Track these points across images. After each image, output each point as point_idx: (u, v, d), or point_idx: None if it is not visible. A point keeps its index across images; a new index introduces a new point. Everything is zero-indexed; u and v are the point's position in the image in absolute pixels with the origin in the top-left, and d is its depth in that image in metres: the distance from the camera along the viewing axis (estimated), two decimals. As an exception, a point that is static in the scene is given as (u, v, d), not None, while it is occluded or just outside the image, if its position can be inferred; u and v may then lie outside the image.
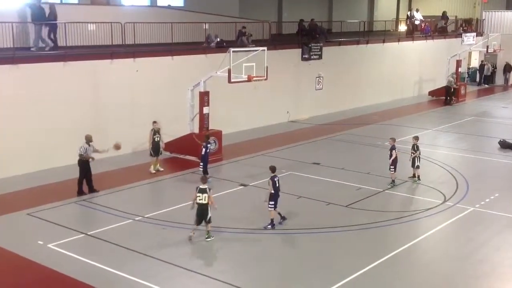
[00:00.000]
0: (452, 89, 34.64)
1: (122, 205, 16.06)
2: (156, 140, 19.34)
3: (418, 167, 18.63)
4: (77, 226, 14.46)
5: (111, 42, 21.72)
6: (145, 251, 12.95)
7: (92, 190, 17.15)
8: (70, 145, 19.95)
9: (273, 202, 14.34)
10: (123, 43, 22.14)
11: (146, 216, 15.20)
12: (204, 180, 13.81)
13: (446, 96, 34.64)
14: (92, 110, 20.85)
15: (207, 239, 13.64)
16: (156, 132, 19.36)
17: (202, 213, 13.56)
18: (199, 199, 13.50)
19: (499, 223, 15.11)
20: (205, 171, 18.09)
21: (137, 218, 15.09)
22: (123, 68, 21.63)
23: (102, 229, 14.29)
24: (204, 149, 18.26)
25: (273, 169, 14.54)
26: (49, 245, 13.24)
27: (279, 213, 14.70)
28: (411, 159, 18.67)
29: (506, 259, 12.95)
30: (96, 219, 15.26)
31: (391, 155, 18.16)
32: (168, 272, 12.07)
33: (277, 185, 14.41)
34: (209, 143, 19.01)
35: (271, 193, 14.29)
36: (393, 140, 18.52)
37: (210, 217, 13.62)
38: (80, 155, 16.86)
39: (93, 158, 17.14)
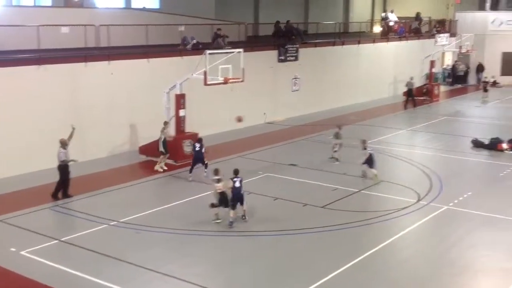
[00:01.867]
0: (414, 91, 34.02)
1: (97, 210, 15.91)
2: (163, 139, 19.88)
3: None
4: (51, 232, 14.27)
5: (85, 44, 21.54)
6: (120, 256, 12.85)
7: (66, 195, 16.96)
8: (45, 149, 19.74)
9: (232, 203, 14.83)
10: (98, 46, 21.96)
11: (121, 220, 15.08)
12: (216, 172, 14.85)
13: (406, 100, 33.56)
14: (68, 114, 20.57)
15: (244, 219, 14.94)
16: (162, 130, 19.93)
17: (224, 198, 14.70)
18: (218, 188, 14.61)
19: (473, 221, 15.33)
20: (191, 170, 18.77)
21: (112, 223, 14.96)
22: (98, 71, 21.44)
23: (77, 234, 14.13)
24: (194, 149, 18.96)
25: (235, 171, 15.22)
26: (22, 252, 13.05)
27: (243, 216, 15.06)
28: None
29: (479, 256, 13.14)
30: (70, 224, 15.11)
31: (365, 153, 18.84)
32: (144, 277, 12.00)
33: (238, 185, 14.84)
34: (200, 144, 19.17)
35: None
36: (363, 142, 19.20)
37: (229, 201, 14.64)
38: (62, 161, 16.70)
39: (75, 160, 17.07)
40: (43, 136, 19.65)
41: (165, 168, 19.97)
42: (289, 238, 14.15)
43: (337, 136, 21.27)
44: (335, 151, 21.15)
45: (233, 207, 14.71)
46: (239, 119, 18.93)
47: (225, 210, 14.81)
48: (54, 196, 16.81)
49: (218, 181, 14.71)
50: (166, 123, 20.31)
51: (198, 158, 18.85)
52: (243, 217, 15.19)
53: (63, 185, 16.91)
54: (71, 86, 20.71)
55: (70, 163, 16.88)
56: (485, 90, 36.73)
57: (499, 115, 31.87)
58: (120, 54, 22.40)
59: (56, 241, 13.77)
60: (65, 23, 21.90)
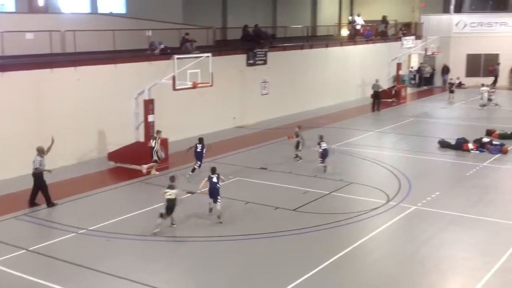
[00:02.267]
0: (379, 94, 34.03)
1: (65, 218, 15.67)
2: (151, 146, 20.05)
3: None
4: (18, 241, 13.95)
5: (51, 50, 21.21)
6: (90, 265, 12.66)
7: (50, 203, 16.64)
8: (12, 158, 19.41)
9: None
10: (64, 52, 21.66)
11: (90, 228, 14.87)
12: (172, 179, 14.76)
13: (374, 102, 33.62)
14: (35, 121, 20.27)
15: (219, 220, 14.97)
16: (153, 138, 20.14)
17: (171, 206, 14.50)
18: (169, 195, 14.36)
19: (441, 220, 15.57)
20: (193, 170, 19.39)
21: (81, 231, 14.74)
22: (64, 77, 21.12)
23: (45, 244, 13.88)
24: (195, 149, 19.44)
25: (212, 169, 15.77)
26: (-12, 263, 12.78)
27: (218, 216, 15.38)
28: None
29: (448, 255, 13.35)
30: (38, 233, 14.81)
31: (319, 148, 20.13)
32: (115, 285, 11.86)
33: (215, 181, 15.51)
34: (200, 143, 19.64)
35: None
36: (320, 137, 20.40)
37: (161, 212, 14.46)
38: (36, 168, 16.45)
39: (50, 171, 16.76)
40: (7, 145, 19.27)
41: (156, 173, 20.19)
42: (261, 242, 14.14)
43: (297, 135, 21.75)
44: (299, 150, 21.65)
45: (167, 216, 14.55)
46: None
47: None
48: (31, 203, 16.55)
49: (171, 187, 14.40)
50: (159, 132, 20.28)
51: (199, 158, 19.27)
52: (219, 218, 15.26)
53: (37, 192, 16.63)
54: (37, 93, 20.35)
55: (44, 172, 16.61)
56: (451, 92, 37.41)
57: (465, 115, 32.51)
58: (87, 60, 22.13)
59: (24, 250, 13.49)
60: (29, 29, 21.56)
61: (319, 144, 20.13)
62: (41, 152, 16.62)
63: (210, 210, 15.68)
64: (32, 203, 16.62)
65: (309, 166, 20.93)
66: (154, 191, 18.24)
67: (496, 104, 33.90)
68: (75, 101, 21.41)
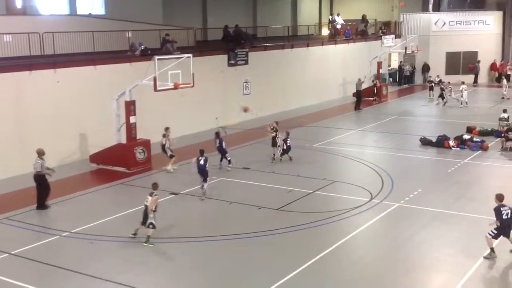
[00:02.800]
0: (361, 93, 34.23)
1: (48, 221, 15.53)
2: (162, 144, 20.37)
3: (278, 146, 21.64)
4: (0, 245, 13.78)
5: (30, 53, 20.97)
6: (74, 268, 12.55)
7: (42, 206, 16.55)
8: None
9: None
10: (42, 54, 21.43)
11: (73, 231, 14.74)
12: (154, 186, 14.24)
13: (357, 101, 33.90)
14: (14, 124, 20.04)
15: (144, 244, 13.69)
16: (163, 135, 20.35)
17: (144, 215, 13.87)
18: (145, 201, 13.90)
19: (424, 217, 15.70)
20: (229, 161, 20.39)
21: (64, 234, 14.59)
22: (44, 79, 20.91)
23: (28, 247, 13.72)
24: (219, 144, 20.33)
25: (201, 151, 17.29)
26: (-30, 268, 12.59)
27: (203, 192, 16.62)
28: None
29: (431, 251, 13.47)
30: (20, 237, 14.58)
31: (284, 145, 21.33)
32: (97, 287, 11.75)
33: (202, 163, 17.14)
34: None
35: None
36: (287, 133, 21.64)
37: (150, 222, 13.76)
38: (38, 172, 16.39)
39: (50, 174, 16.76)
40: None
41: (175, 168, 20.39)
42: (245, 242, 14.14)
43: (275, 129, 21.93)
44: (278, 146, 21.77)
45: (145, 223, 13.96)
46: (245, 109, 21.32)
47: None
48: (42, 207, 16.46)
49: (150, 194, 13.98)
50: (167, 129, 20.37)
51: (202, 172, 17.56)
52: (203, 194, 17.08)
53: (43, 194, 16.58)
54: (16, 95, 20.11)
55: (47, 174, 16.63)
56: (431, 89, 37.72)
57: (445, 113, 32.84)
58: (66, 62, 21.93)
59: (6, 254, 13.34)
60: (7, 31, 21.27)
61: (285, 140, 21.34)
62: (41, 154, 16.58)
63: (202, 187, 17.11)
64: (43, 205, 16.55)
65: (292, 165, 20.99)
66: (136, 193, 18.16)
67: (446, 103, 34.46)
68: (55, 103, 21.19)
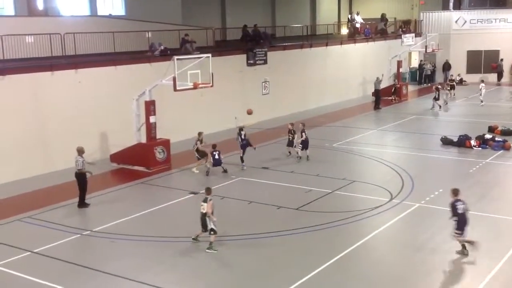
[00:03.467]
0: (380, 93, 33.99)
1: (69, 220, 15.69)
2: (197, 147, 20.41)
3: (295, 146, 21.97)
4: (23, 244, 13.98)
5: (51, 53, 21.21)
6: (95, 266, 12.67)
7: (83, 204, 16.87)
8: (12, 161, 19.43)
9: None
10: (64, 55, 21.67)
11: (94, 230, 14.89)
12: (208, 191, 13.63)
13: (376, 100, 33.69)
14: (35, 124, 20.30)
15: (207, 250, 13.38)
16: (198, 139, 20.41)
17: (202, 222, 13.49)
18: (202, 209, 13.45)
19: (444, 217, 15.41)
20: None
21: (85, 233, 14.75)
22: (65, 80, 21.14)
23: (50, 245, 13.89)
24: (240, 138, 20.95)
25: (213, 146, 19.33)
26: (-6, 266, 12.79)
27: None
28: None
29: (452, 252, 13.31)
30: (42, 235, 14.77)
31: (301, 136, 21.42)
32: (120, 286, 11.87)
33: (217, 158, 19.18)
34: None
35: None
36: (303, 124, 21.92)
37: (211, 228, 13.38)
38: (79, 169, 16.66)
39: (91, 173, 17.06)
40: (8, 148, 19.31)
41: (196, 171, 20.34)
42: (265, 242, 14.14)
43: (291, 131, 22.23)
44: (294, 147, 22.03)
45: (206, 230, 13.66)
46: (249, 112, 21.74)
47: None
48: (83, 205, 16.75)
49: (205, 200, 13.46)
50: (200, 134, 20.38)
51: (217, 163, 19.59)
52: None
53: (83, 192, 16.87)
54: (38, 96, 20.37)
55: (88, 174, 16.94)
56: (452, 88, 37.26)
57: (467, 112, 32.46)
58: (87, 62, 22.15)
59: (29, 252, 13.51)
60: (29, 33, 21.54)
61: (303, 131, 21.48)
62: (81, 152, 16.86)
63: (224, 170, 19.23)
64: (84, 204, 16.86)
65: (310, 165, 20.94)
66: (156, 192, 18.30)
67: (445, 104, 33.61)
68: (76, 103, 21.42)
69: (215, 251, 13.37)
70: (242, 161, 20.71)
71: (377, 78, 34.15)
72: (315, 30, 43.06)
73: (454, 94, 37.00)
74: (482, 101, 33.50)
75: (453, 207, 13.07)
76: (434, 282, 12.00)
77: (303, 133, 21.53)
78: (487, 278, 11.94)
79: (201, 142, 20.18)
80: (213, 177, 19.53)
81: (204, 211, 13.36)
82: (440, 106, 32.73)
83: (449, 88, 36.47)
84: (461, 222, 13.04)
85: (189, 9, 35.64)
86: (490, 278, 11.95)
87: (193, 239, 13.92)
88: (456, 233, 13.10)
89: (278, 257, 13.21)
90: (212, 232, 13.41)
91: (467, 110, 33.28)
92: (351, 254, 13.28)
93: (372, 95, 35.01)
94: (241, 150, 20.81)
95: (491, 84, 41.69)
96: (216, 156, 19.25)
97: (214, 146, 19.41)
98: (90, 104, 21.83)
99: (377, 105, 33.72)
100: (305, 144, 21.55)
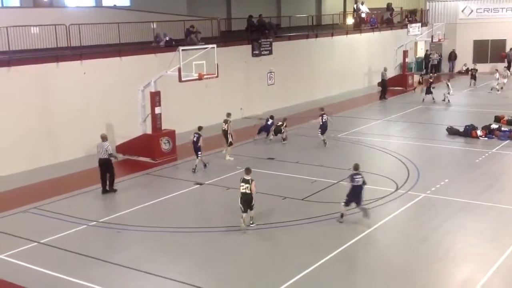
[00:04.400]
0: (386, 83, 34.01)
1: (76, 210, 15.74)
2: (223, 129, 20.81)
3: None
4: (29, 234, 14.07)
5: (56, 44, 21.23)
6: (102, 257, 12.75)
7: (112, 189, 17.36)
8: (18, 152, 19.52)
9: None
10: (69, 45, 21.68)
11: (101, 220, 14.96)
12: (248, 171, 14.15)
13: (382, 91, 33.69)
14: (41, 115, 20.36)
15: (251, 225, 14.18)
16: (225, 121, 20.82)
17: (246, 202, 13.95)
18: (243, 189, 13.91)
19: (450, 207, 15.53)
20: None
21: (91, 223, 14.82)
22: (70, 70, 21.17)
23: (56, 236, 13.97)
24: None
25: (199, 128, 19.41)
26: (1, 256, 12.87)
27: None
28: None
29: (457, 242, 13.34)
30: (49, 226, 14.85)
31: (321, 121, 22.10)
32: (126, 276, 11.92)
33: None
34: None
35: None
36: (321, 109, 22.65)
37: (253, 204, 14.09)
38: (110, 154, 17.14)
39: (117, 158, 17.68)
40: (14, 139, 19.38)
41: (230, 158, 20.68)
42: (270, 232, 14.17)
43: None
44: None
45: (244, 211, 14.16)
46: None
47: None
48: (111, 190, 17.31)
49: (245, 181, 13.93)
50: (229, 115, 20.96)
51: (194, 147, 19.32)
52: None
53: (111, 177, 17.35)
54: (43, 87, 20.42)
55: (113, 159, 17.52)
56: (473, 78, 37.15)
57: (473, 102, 32.33)
58: (92, 53, 22.15)
59: (36, 243, 13.59)
60: (34, 24, 21.53)
61: (321, 116, 21.97)
62: (106, 139, 17.36)
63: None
64: (106, 189, 17.28)
65: (316, 155, 20.93)
66: (162, 183, 18.34)
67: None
68: (82, 94, 21.47)
69: (254, 223, 14.27)
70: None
71: (385, 68, 34.00)
72: (321, 20, 42.77)
73: (474, 84, 36.83)
74: (498, 90, 33.42)
75: (351, 178, 14.48)
76: (438, 272, 11.99)
77: (321, 118, 22.01)
78: (493, 267, 11.92)
79: (229, 125, 20.72)
80: (218, 168, 19.55)
81: (248, 191, 13.88)
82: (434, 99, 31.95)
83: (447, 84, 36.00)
84: (351, 193, 14.40)
85: (194, 0, 35.54)
86: (495, 267, 11.93)
87: (243, 224, 14.23)
88: (344, 202, 14.44)
89: (284, 247, 13.24)
90: (252, 207, 14.13)
91: (473, 100, 33.12)
92: (356, 244, 13.29)
93: (378, 85, 34.85)
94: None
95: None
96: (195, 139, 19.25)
97: (199, 128, 19.69)
98: (96, 95, 21.86)
99: (383, 95, 33.62)
100: (322, 128, 22.10)
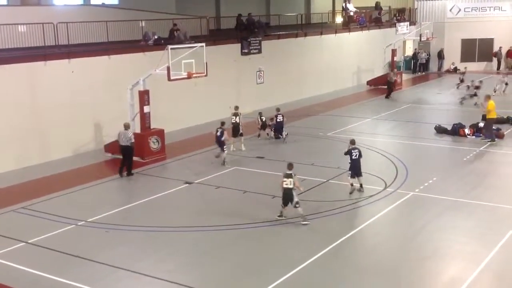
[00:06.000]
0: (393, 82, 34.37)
1: (64, 210, 15.64)
2: (233, 122, 21.65)
3: None
4: (17, 234, 13.96)
5: (44, 43, 21.06)
6: (90, 256, 12.68)
7: (130, 173, 18.66)
8: (7, 150, 19.36)
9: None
10: (57, 44, 21.53)
11: (89, 220, 14.88)
12: (290, 166, 14.40)
13: (388, 91, 33.76)
14: (30, 114, 20.20)
15: (302, 223, 14.18)
16: (235, 115, 21.75)
17: (287, 197, 14.16)
18: (285, 184, 14.11)
19: (438, 205, 15.61)
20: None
21: (80, 223, 14.74)
22: (58, 69, 21.02)
23: (44, 236, 13.87)
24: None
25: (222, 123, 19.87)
26: (-12, 256, 12.77)
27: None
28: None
29: (446, 240, 13.41)
30: (37, 226, 14.74)
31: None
32: (115, 275, 11.87)
33: (219, 135, 19.47)
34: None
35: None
36: (277, 109, 23.38)
37: (297, 201, 14.16)
38: (132, 142, 18.43)
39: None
40: (1, 138, 19.21)
41: (243, 149, 21.56)
42: (260, 231, 14.17)
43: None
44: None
45: (285, 206, 14.46)
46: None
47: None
48: (123, 173, 18.53)
49: (288, 176, 14.19)
50: (237, 108, 21.83)
51: (218, 141, 19.82)
52: (224, 163, 19.30)
53: (129, 163, 18.58)
54: (31, 85, 20.26)
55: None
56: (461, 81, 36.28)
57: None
58: (81, 52, 22.01)
59: (24, 243, 13.49)
60: (22, 22, 21.37)
61: (276, 116, 22.86)
62: (128, 127, 18.72)
63: (217, 155, 19.22)
64: (123, 173, 18.56)
65: (305, 154, 20.96)
66: (151, 182, 18.28)
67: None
68: (70, 93, 21.32)
69: (309, 222, 14.20)
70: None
71: (392, 70, 34.23)
72: (310, 19, 42.85)
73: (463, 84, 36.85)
74: (499, 92, 33.19)
75: (349, 152, 16.36)
76: (428, 269, 12.06)
77: (278, 117, 22.82)
78: (481, 265, 12.00)
79: (235, 116, 21.61)
80: (207, 167, 19.51)
81: (291, 186, 14.08)
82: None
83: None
84: (352, 166, 16.34)
85: (182, -2, 35.41)
86: (484, 266, 12.01)
87: (278, 217, 14.48)
88: (348, 175, 16.44)
89: (273, 246, 13.25)
90: (297, 205, 14.17)
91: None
92: (345, 242, 13.33)
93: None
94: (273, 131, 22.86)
95: (489, 72, 41.79)
96: (218, 133, 19.54)
97: (222, 123, 20.02)
98: (84, 94, 21.72)
99: (389, 94, 33.61)
100: (278, 128, 22.86)
